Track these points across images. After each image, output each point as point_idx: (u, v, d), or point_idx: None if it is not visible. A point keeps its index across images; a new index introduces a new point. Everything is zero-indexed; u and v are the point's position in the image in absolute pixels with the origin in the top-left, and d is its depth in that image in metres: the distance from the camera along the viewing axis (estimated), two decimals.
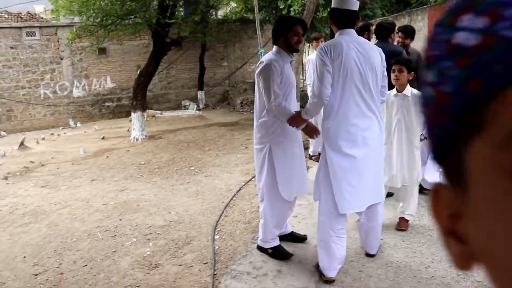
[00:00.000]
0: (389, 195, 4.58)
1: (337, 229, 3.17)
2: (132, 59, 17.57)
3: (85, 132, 14.56)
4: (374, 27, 5.15)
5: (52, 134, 14.55)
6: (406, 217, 3.99)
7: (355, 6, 3.17)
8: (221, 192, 6.15)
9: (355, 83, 3.07)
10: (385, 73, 3.34)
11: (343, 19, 3.16)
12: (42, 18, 17.47)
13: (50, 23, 16.55)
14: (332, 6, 3.26)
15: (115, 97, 17.78)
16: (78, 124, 16.59)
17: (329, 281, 3.24)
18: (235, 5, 16.02)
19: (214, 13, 16.59)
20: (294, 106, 3.49)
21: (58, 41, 16.34)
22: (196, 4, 11.06)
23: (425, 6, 15.78)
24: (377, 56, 3.20)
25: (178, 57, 17.69)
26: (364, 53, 3.10)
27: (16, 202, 6.45)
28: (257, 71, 3.38)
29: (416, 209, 4.05)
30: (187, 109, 17.34)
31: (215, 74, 19.05)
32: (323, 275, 3.29)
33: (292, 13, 8.31)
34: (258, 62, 3.43)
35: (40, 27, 16.52)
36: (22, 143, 11.77)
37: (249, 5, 12.51)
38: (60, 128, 16.09)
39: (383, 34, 4.76)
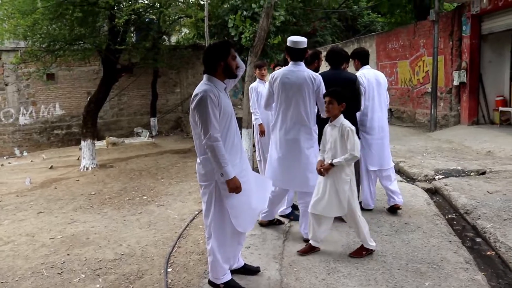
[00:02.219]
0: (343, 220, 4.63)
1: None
2: (82, 85, 17.18)
3: (32, 161, 13.94)
4: (323, 55, 5.22)
5: None
6: (366, 246, 3.93)
7: (304, 45, 4.20)
8: (174, 222, 6.00)
9: (284, 102, 4.21)
10: (320, 95, 4.13)
11: (293, 55, 4.24)
12: None
13: None
14: (287, 44, 4.27)
15: (65, 125, 17.24)
16: (25, 153, 15.90)
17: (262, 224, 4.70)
18: (188, 31, 16.07)
19: (167, 39, 16.54)
20: (237, 135, 3.35)
21: (3, 66, 15.74)
22: (147, 30, 10.98)
23: (372, 33, 16.43)
24: (307, 82, 4.12)
25: (130, 83, 17.47)
26: (295, 79, 4.15)
27: None
28: (192, 105, 3.15)
29: (368, 237, 3.98)
30: (140, 136, 17.05)
31: (167, 100, 18.92)
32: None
33: (243, 40, 8.40)
34: (193, 95, 3.19)
35: None
36: None
37: (201, 32, 12.56)
38: (5, 157, 15.35)
39: (335, 62, 4.70)
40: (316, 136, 4.26)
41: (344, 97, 3.79)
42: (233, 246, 3.45)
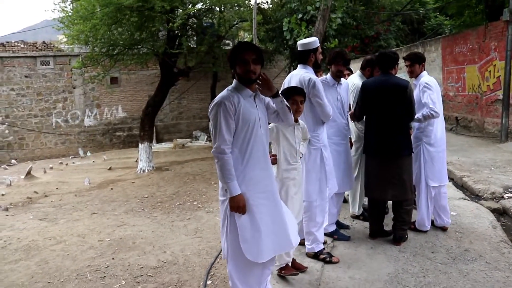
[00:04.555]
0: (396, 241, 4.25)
1: None
2: (144, 88, 17.68)
3: (93, 162, 14.49)
4: None
5: (61, 163, 14.52)
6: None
7: (305, 47, 4.04)
8: (220, 231, 5.86)
9: None
10: (317, 98, 3.89)
11: (297, 58, 4.20)
12: (56, 47, 17.76)
13: (64, 52, 16.79)
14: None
15: (126, 127, 17.81)
16: (88, 154, 16.56)
17: None
18: (247, 35, 16.06)
19: (230, 43, 16.55)
20: (263, 149, 2.98)
21: (71, 70, 16.52)
22: (203, 35, 11.03)
23: (438, 36, 15.57)
24: (300, 85, 3.83)
25: (190, 87, 17.74)
26: (293, 83, 3.93)
27: (11, 236, 6.27)
28: (209, 111, 2.93)
29: None
30: (198, 139, 17.25)
31: None
32: None
33: None
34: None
35: (54, 56, 16.77)
36: (29, 173, 11.70)
37: (260, 36, 12.43)
38: (70, 157, 16.07)
39: (385, 65, 4.28)
40: (320, 142, 4.00)
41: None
42: (255, 271, 3.00)
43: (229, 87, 2.97)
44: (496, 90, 11.11)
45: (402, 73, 11.20)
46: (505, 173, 6.82)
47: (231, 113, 2.81)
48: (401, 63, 4.84)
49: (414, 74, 4.61)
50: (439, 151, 4.52)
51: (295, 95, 3.54)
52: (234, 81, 2.99)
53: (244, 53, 2.88)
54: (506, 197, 5.60)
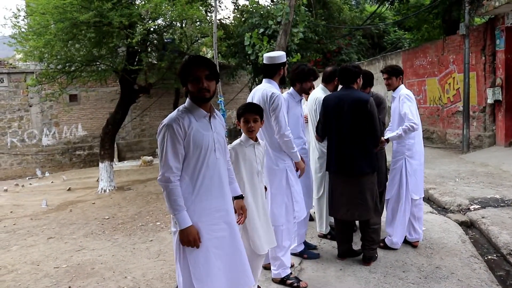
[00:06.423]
0: (365, 261, 4.10)
1: None
2: (104, 106, 17.24)
3: (52, 182, 13.91)
4: None
5: (16, 185, 13.85)
6: None
7: (270, 61, 3.91)
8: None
9: None
10: (276, 115, 3.70)
11: (263, 72, 4.07)
12: (10, 64, 17.13)
13: (19, 69, 16.20)
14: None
15: (87, 145, 17.27)
16: (47, 174, 15.92)
17: None
18: (209, 51, 15.95)
19: None
20: (220, 176, 2.72)
21: (27, 88, 15.95)
22: (164, 50, 10.83)
23: (398, 50, 15.90)
24: (261, 101, 3.72)
25: (152, 104, 17.45)
26: (256, 99, 3.81)
27: None
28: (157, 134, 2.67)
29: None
30: None
31: None
32: None
33: (260, 59, 8.09)
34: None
35: (8, 73, 16.13)
36: None
37: (222, 51, 12.31)
38: (27, 178, 15.39)
39: (346, 80, 4.11)
40: (285, 162, 3.81)
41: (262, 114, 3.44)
42: None
43: (180, 107, 2.71)
44: (456, 102, 11.36)
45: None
46: (469, 185, 6.86)
47: (180, 137, 2.55)
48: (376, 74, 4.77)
49: (392, 86, 4.58)
50: (420, 164, 4.50)
51: (247, 113, 3.32)
52: (187, 100, 2.72)
53: (196, 69, 2.61)
54: (472, 209, 5.59)
